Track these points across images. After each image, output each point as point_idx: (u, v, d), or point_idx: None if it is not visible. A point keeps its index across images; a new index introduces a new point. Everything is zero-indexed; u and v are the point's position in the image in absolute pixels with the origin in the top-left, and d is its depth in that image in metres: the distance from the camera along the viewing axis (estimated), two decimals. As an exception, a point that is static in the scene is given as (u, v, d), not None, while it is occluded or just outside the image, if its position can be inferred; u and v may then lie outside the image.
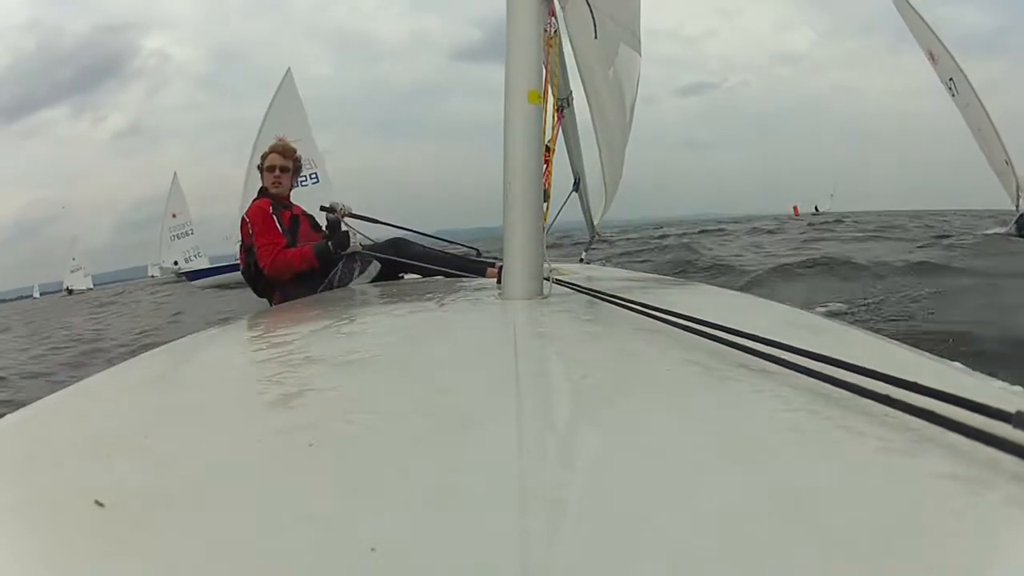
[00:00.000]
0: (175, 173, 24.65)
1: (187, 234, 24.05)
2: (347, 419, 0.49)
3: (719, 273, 7.04)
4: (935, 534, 0.30)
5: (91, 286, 36.79)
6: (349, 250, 2.26)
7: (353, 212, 2.37)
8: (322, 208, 2.39)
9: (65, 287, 36.29)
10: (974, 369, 0.60)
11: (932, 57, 10.85)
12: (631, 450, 0.41)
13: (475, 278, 1.96)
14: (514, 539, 0.30)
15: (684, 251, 10.36)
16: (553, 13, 1.43)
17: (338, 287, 2.19)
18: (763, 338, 0.55)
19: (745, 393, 0.51)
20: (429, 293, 1.44)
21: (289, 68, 12.63)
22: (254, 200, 2.39)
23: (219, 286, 15.21)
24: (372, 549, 0.29)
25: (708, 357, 0.59)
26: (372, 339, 0.93)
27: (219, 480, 0.40)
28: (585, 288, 1.09)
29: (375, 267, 2.31)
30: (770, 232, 15.60)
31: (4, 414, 0.60)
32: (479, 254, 2.65)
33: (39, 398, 0.65)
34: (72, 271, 36.78)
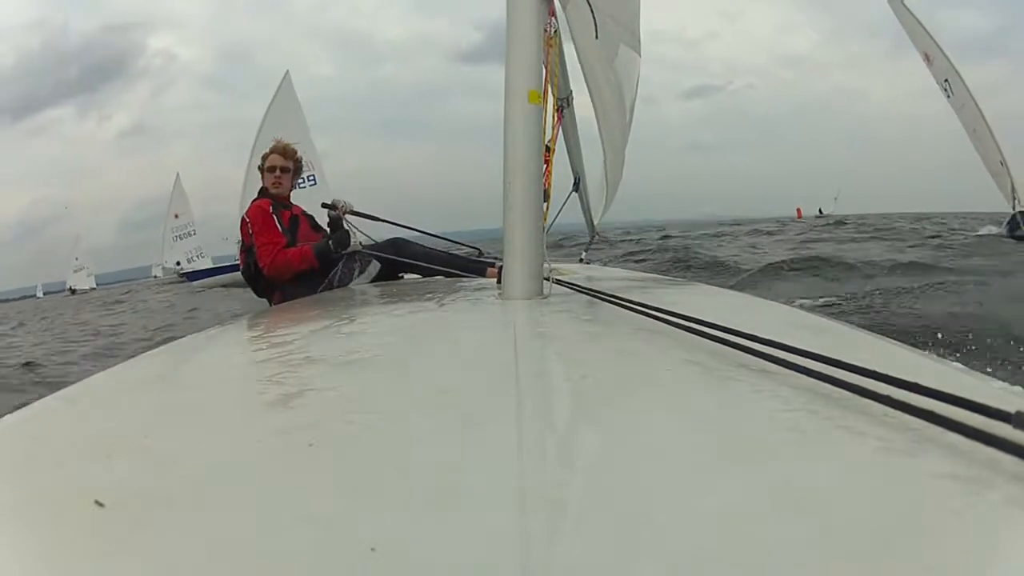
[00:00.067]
0: (178, 174, 24.70)
1: (189, 235, 24.06)
2: (347, 419, 0.49)
3: (714, 271, 7.36)
4: (935, 534, 0.30)
5: (94, 286, 36.87)
6: (349, 249, 2.26)
7: (354, 210, 2.38)
8: (323, 205, 2.40)
9: (68, 287, 36.34)
10: (974, 367, 0.60)
11: (928, 58, 10.88)
12: (631, 450, 0.41)
13: (475, 278, 1.96)
14: (514, 539, 0.30)
15: (683, 251, 10.61)
16: (553, 13, 1.43)
17: (338, 287, 2.19)
18: (763, 338, 0.55)
19: (745, 393, 0.51)
20: (429, 293, 1.44)
21: (287, 71, 12.75)
22: (254, 200, 2.39)
23: (220, 286, 15.23)
24: (372, 549, 0.29)
25: (708, 357, 0.59)
26: (372, 339, 0.93)
27: (219, 480, 0.39)
28: (585, 288, 1.09)
29: (375, 267, 2.31)
30: (769, 234, 15.76)
31: (10, 411, 0.60)
32: (481, 254, 2.66)
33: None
34: (75, 271, 36.84)
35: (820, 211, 36.78)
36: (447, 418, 0.48)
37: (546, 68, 1.23)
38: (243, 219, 2.33)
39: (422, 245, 2.46)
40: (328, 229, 2.40)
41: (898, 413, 0.40)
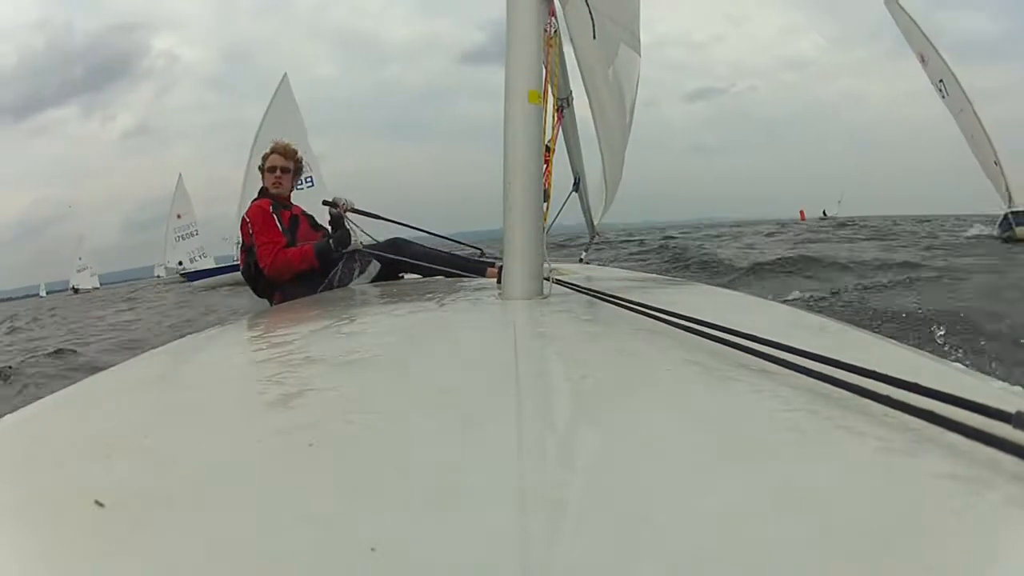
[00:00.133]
0: (180, 175, 24.81)
1: (192, 235, 24.14)
2: (347, 419, 0.49)
3: (711, 271, 7.78)
4: (935, 534, 0.30)
5: (97, 285, 37.02)
6: (350, 248, 2.26)
7: (355, 208, 2.38)
8: (325, 203, 2.40)
9: (71, 286, 36.47)
10: (974, 368, 0.60)
11: (923, 59, 10.88)
12: (631, 450, 0.41)
13: (475, 278, 1.96)
14: (514, 539, 0.30)
15: (681, 251, 11.04)
16: (553, 13, 1.43)
17: (338, 287, 2.19)
18: (763, 338, 0.55)
19: (745, 393, 0.51)
20: (429, 293, 1.44)
21: (285, 73, 12.95)
22: (254, 200, 2.39)
23: (219, 286, 15.28)
24: (372, 549, 0.29)
25: (708, 357, 0.59)
26: (372, 339, 0.93)
27: (219, 480, 0.39)
28: (585, 288, 1.09)
29: (375, 267, 2.31)
30: (769, 235, 15.96)
31: (10, 411, 0.60)
32: (483, 254, 2.65)
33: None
34: (78, 270, 37.00)
35: (824, 213, 36.73)
36: (447, 418, 0.48)
37: (546, 68, 1.23)
38: (243, 219, 2.33)
39: (422, 245, 2.46)
40: (329, 228, 2.41)
41: (898, 413, 0.40)
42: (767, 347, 0.54)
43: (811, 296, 4.97)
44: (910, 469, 0.36)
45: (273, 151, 2.41)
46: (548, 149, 1.23)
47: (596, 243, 2.98)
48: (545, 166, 1.19)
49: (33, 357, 5.40)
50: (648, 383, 0.58)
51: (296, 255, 2.22)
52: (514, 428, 0.43)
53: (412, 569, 0.29)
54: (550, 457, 0.42)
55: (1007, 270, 6.31)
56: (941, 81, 10.76)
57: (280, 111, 12.46)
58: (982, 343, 3.04)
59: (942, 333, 3.13)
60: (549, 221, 1.28)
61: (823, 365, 0.48)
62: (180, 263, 23.21)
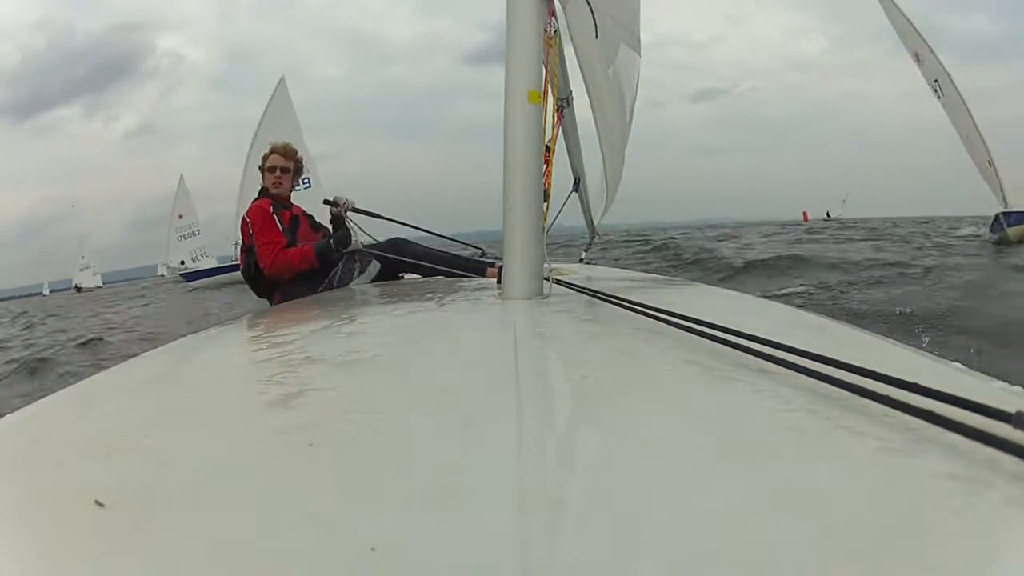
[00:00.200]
0: (181, 175, 24.93)
1: (194, 234, 24.24)
2: (347, 419, 0.49)
3: (704, 264, 8.49)
4: (935, 534, 0.30)
5: (100, 284, 37.15)
6: (350, 248, 2.26)
7: (356, 207, 2.38)
8: (325, 202, 2.40)
9: (74, 285, 36.61)
10: (974, 368, 0.60)
11: (918, 58, 10.84)
12: (631, 450, 0.41)
13: (475, 278, 1.96)
14: (514, 539, 0.30)
15: (680, 249, 11.42)
16: (553, 13, 1.43)
17: (338, 287, 2.19)
18: (763, 338, 0.55)
19: (745, 393, 0.51)
20: (429, 293, 1.44)
21: (282, 76, 13.21)
22: (254, 200, 2.39)
23: (218, 286, 15.34)
24: (372, 549, 0.29)
25: (708, 357, 0.59)
26: (372, 339, 0.93)
27: (219, 480, 0.40)
28: (585, 288, 1.09)
29: (375, 267, 2.31)
30: (767, 236, 16.15)
31: (10, 411, 0.60)
32: (484, 254, 2.65)
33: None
34: (81, 269, 37.17)
35: (828, 214, 36.56)
36: (447, 418, 0.48)
37: (546, 68, 1.23)
38: (243, 219, 2.33)
39: (422, 245, 2.46)
40: (330, 227, 2.41)
41: (898, 413, 0.40)
42: (767, 347, 0.54)
43: (794, 292, 5.37)
44: (910, 469, 0.36)
45: (273, 151, 2.41)
46: (548, 149, 1.23)
47: (596, 243, 2.98)
48: (545, 166, 1.19)
49: (63, 349, 5.79)
50: (648, 383, 0.58)
51: (296, 255, 2.22)
52: (514, 428, 0.43)
53: (412, 569, 0.29)
54: (550, 457, 0.42)
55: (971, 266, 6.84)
56: (936, 81, 10.70)
57: (277, 113, 12.74)
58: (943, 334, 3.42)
59: (920, 328, 3.52)
60: (549, 221, 1.28)
61: (823, 365, 0.48)
62: (182, 262, 23.27)
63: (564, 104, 2.01)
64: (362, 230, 2.34)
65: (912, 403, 0.40)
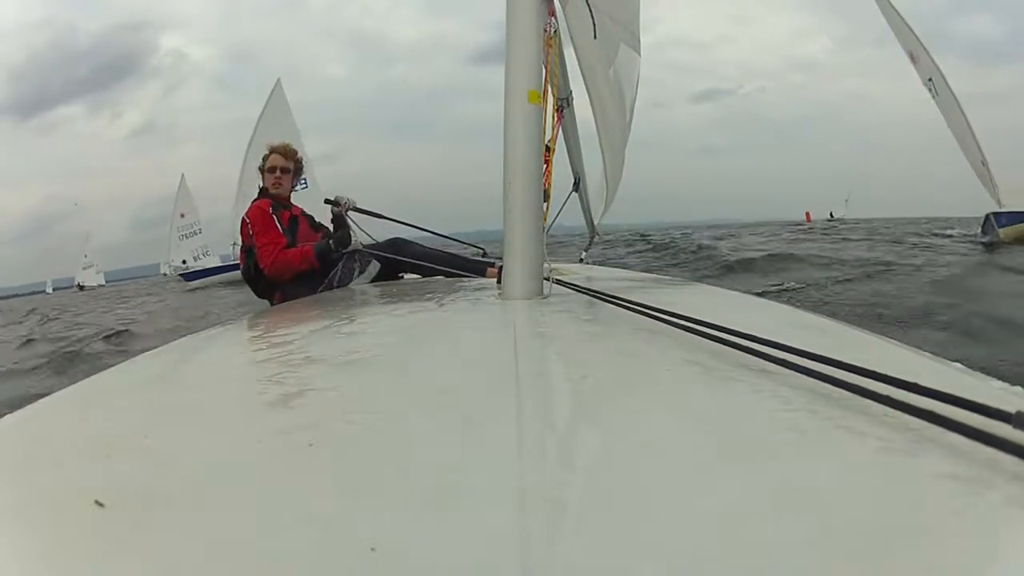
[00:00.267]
0: (182, 175, 25.01)
1: (195, 233, 24.32)
2: (347, 419, 0.49)
3: (699, 260, 9.03)
4: (935, 534, 0.30)
5: (103, 283, 37.25)
6: (349, 248, 2.26)
7: (357, 207, 2.38)
8: (326, 201, 2.40)
9: (77, 283, 36.70)
10: (974, 369, 0.60)
11: (913, 58, 10.81)
12: (631, 450, 0.41)
13: (475, 278, 1.97)
14: (514, 539, 0.30)
15: (677, 248, 11.85)
16: (553, 13, 1.43)
17: (338, 287, 2.19)
18: (763, 338, 0.55)
19: (745, 393, 0.51)
20: (429, 293, 1.44)
21: (279, 79, 13.43)
22: (254, 201, 2.39)
23: (216, 286, 15.40)
24: (372, 549, 0.29)
25: (708, 357, 0.59)
26: (372, 339, 0.93)
27: (219, 480, 0.39)
28: (585, 288, 1.09)
29: (375, 267, 2.31)
30: (766, 236, 16.34)
31: (10, 411, 0.60)
32: (485, 254, 2.65)
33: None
34: (84, 267, 37.31)
35: (831, 215, 36.29)
36: (447, 418, 0.48)
37: (546, 68, 1.23)
38: (243, 220, 2.33)
39: (422, 245, 2.47)
40: (331, 227, 2.41)
41: (898, 413, 0.40)
42: (767, 347, 0.54)
43: (782, 288, 5.67)
44: (910, 469, 0.36)
45: (273, 151, 2.41)
46: (548, 149, 1.23)
47: (596, 242, 2.98)
48: (545, 166, 1.19)
49: (92, 341, 6.07)
50: (648, 383, 0.58)
51: (296, 255, 2.22)
52: (514, 428, 0.43)
53: (412, 569, 0.29)
54: (550, 457, 0.42)
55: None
56: (930, 80, 10.66)
57: (274, 114, 12.97)
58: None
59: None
60: (549, 221, 1.28)
61: (823, 365, 0.48)
62: (184, 261, 23.33)
63: (564, 104, 2.01)
64: (362, 230, 2.34)
65: (912, 403, 0.40)
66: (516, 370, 0.59)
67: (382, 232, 2.46)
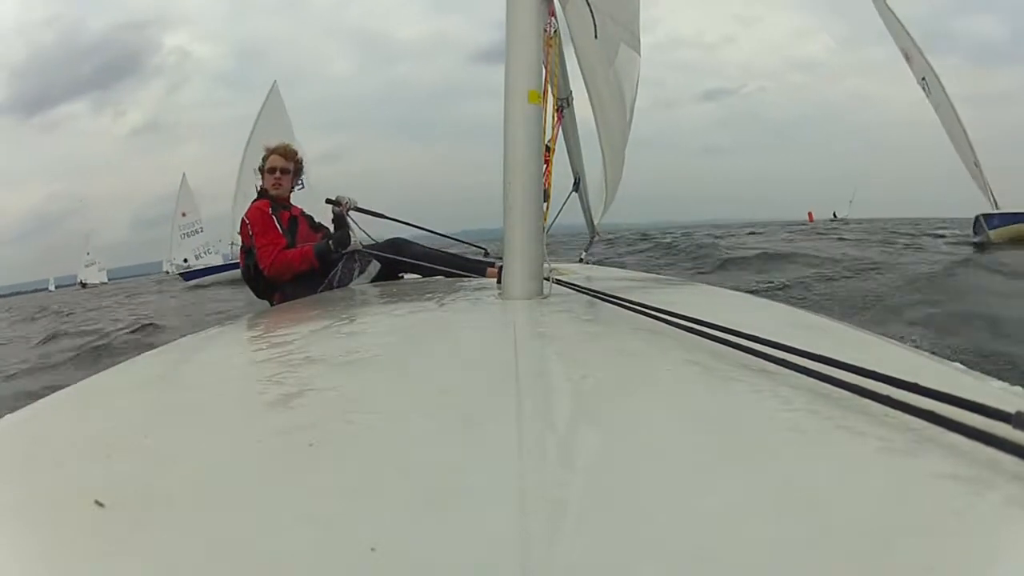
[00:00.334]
0: (184, 174, 25.06)
1: (196, 232, 24.38)
2: (347, 419, 0.49)
3: (697, 259, 9.26)
4: (935, 534, 0.30)
5: (105, 280, 37.35)
6: (349, 248, 2.26)
7: (358, 206, 2.38)
8: (328, 201, 2.40)
9: (79, 281, 36.78)
10: (975, 369, 0.60)
11: (907, 57, 10.81)
12: (631, 450, 0.41)
13: (475, 278, 1.96)
14: (514, 539, 0.30)
15: (677, 247, 12.09)
16: (553, 13, 1.43)
17: (338, 287, 2.19)
18: (763, 338, 0.55)
19: (745, 393, 0.51)
20: (429, 293, 1.44)
21: (275, 81, 13.63)
22: (254, 201, 2.39)
23: (216, 285, 15.45)
24: (372, 549, 0.29)
25: (708, 357, 0.59)
26: (372, 339, 0.93)
27: (219, 480, 0.40)
28: (585, 288, 1.09)
29: (375, 267, 2.31)
30: (763, 235, 16.45)
31: (10, 411, 0.60)
32: (487, 254, 2.65)
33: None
34: (86, 265, 37.43)
35: (834, 215, 36.03)
36: (447, 418, 0.48)
37: (546, 68, 1.23)
38: (243, 220, 2.33)
39: (422, 245, 2.46)
40: (332, 227, 2.41)
41: (898, 413, 0.40)
42: (767, 347, 0.54)
43: (773, 286, 5.89)
44: (910, 469, 0.36)
45: (273, 151, 2.41)
46: (548, 149, 1.23)
47: (596, 241, 2.98)
48: (545, 166, 1.19)
49: (119, 334, 6.35)
50: (648, 383, 0.58)
51: (296, 256, 2.22)
52: (514, 428, 0.43)
53: (412, 569, 0.29)
54: (550, 457, 0.42)
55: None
56: (924, 79, 10.66)
57: (270, 116, 13.18)
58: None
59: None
60: (549, 221, 1.28)
61: (823, 365, 0.48)
62: (185, 260, 23.36)
63: (564, 104, 2.02)
64: (362, 230, 2.34)
65: (912, 403, 0.40)
66: (516, 370, 0.59)
67: (383, 232, 2.46)
